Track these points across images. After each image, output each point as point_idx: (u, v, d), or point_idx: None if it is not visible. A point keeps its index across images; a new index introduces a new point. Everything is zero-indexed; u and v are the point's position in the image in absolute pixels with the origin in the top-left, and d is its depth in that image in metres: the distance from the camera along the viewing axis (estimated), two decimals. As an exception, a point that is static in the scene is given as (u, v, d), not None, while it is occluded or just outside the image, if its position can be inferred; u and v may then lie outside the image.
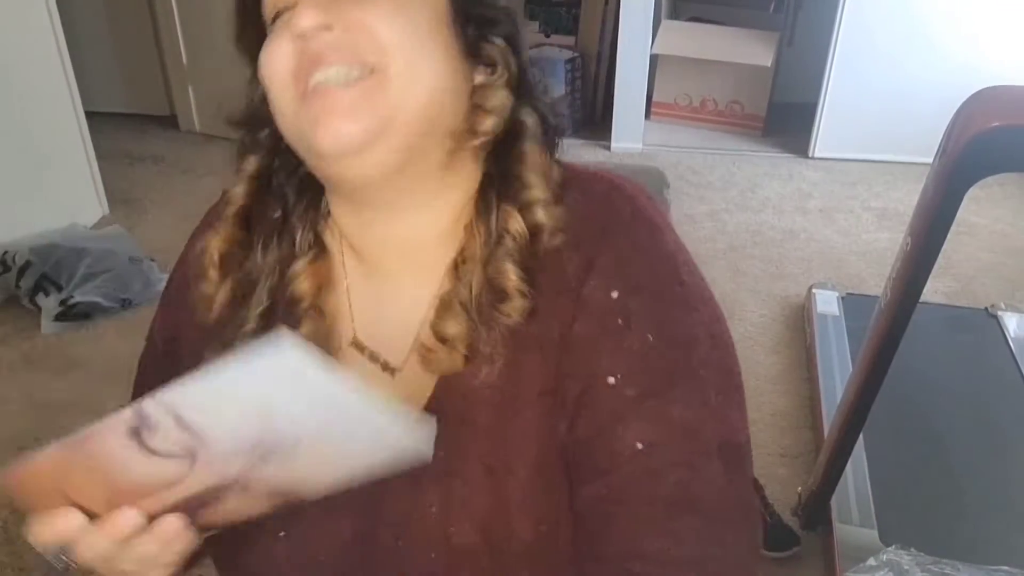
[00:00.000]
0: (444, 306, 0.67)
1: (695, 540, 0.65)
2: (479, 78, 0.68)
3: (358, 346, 0.72)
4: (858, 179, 3.38)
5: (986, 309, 2.46)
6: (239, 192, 0.74)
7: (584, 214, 0.68)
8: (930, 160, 1.33)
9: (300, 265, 0.72)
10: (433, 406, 0.68)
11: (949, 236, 1.33)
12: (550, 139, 0.71)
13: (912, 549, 1.63)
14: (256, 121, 0.73)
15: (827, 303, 2.48)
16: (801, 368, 2.34)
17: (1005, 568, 1.61)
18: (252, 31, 0.69)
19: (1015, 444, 2.01)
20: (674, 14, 3.91)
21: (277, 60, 0.65)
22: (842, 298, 2.49)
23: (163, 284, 2.89)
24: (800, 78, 3.62)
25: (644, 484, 0.65)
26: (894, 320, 1.44)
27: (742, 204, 3.22)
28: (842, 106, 3.40)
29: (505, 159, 0.69)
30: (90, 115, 2.92)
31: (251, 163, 0.74)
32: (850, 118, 3.42)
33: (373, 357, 0.72)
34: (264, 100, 0.69)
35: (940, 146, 1.29)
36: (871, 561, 1.62)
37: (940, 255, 1.35)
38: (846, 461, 1.70)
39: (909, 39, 3.24)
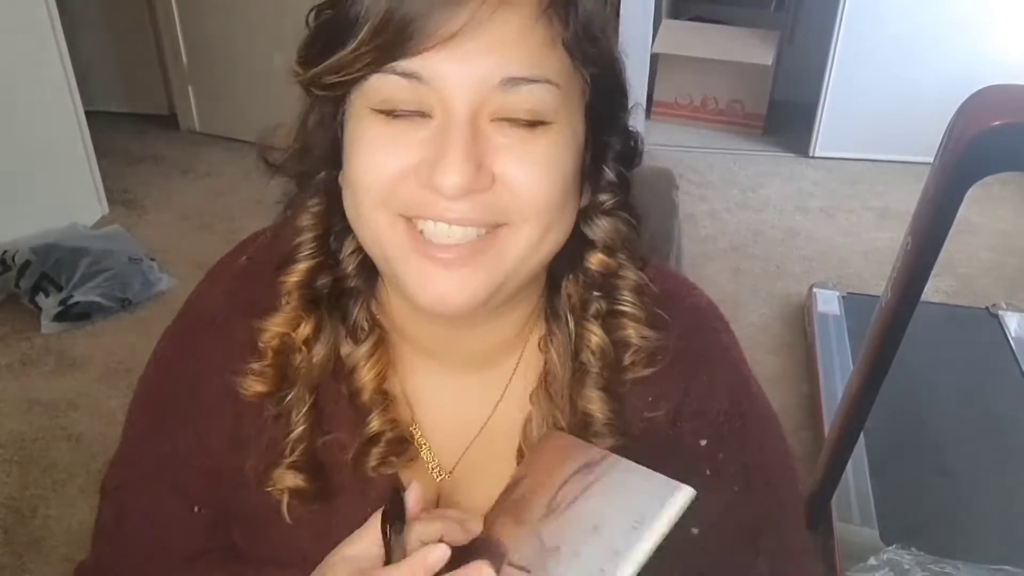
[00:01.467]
0: (528, 439, 0.64)
1: None
2: (583, 199, 0.61)
3: (415, 438, 0.68)
4: (859, 178, 3.37)
5: (987, 308, 2.45)
6: (301, 266, 0.62)
7: (674, 348, 0.64)
8: (931, 159, 1.33)
9: (362, 352, 0.64)
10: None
11: (950, 235, 1.33)
12: (637, 250, 0.64)
13: (913, 548, 1.63)
14: (309, 165, 0.62)
15: (828, 302, 2.47)
16: (801, 368, 2.34)
17: (1006, 568, 1.61)
18: (330, 74, 0.54)
19: (1016, 444, 2.00)
20: (675, 13, 3.91)
21: (384, 175, 0.54)
22: (843, 297, 2.49)
23: (163, 284, 2.85)
24: (801, 77, 3.61)
25: None
26: (895, 319, 1.43)
27: (743, 203, 3.21)
28: (843, 105, 3.39)
29: (580, 264, 0.63)
30: (90, 114, 2.91)
31: (308, 221, 0.62)
32: (851, 117, 3.41)
33: (426, 450, 0.68)
34: (323, 139, 0.59)
35: (941, 145, 1.29)
36: (872, 560, 1.62)
37: (941, 254, 1.35)
38: (847, 460, 1.70)
39: (910, 38, 3.24)
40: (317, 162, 0.61)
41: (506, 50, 0.52)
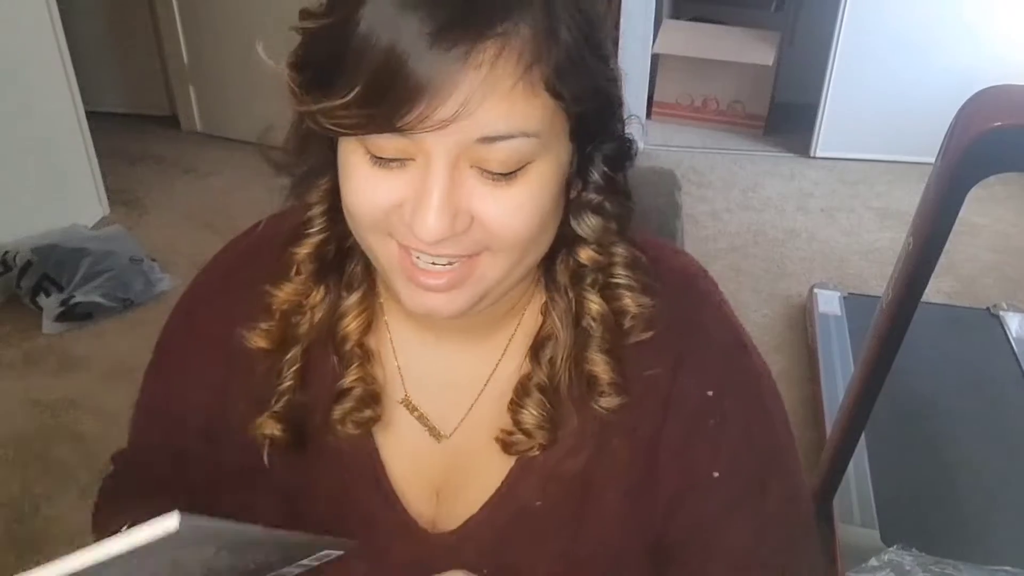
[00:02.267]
0: (523, 390, 0.66)
1: None
2: (572, 193, 0.61)
3: (408, 405, 0.70)
4: (860, 179, 3.37)
5: (988, 309, 2.45)
6: (313, 240, 0.65)
7: (668, 310, 0.66)
8: (932, 160, 1.33)
9: (352, 301, 0.67)
10: (509, 487, 0.68)
11: (951, 236, 1.33)
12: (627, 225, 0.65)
13: (914, 549, 1.64)
14: (313, 155, 0.63)
15: (829, 303, 2.47)
16: (803, 368, 2.34)
17: (1007, 568, 1.61)
18: (320, 117, 0.53)
19: (1017, 444, 2.00)
20: (675, 14, 3.91)
21: (372, 210, 0.56)
22: (844, 298, 2.49)
23: (164, 284, 2.87)
24: (802, 78, 3.61)
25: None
26: (896, 320, 1.44)
27: (744, 204, 3.21)
28: (844, 106, 3.39)
29: (571, 253, 0.64)
30: (91, 115, 2.91)
31: (317, 197, 0.64)
32: (852, 117, 3.41)
33: (422, 419, 0.70)
34: (320, 136, 0.60)
35: (942, 146, 1.29)
36: (873, 561, 1.62)
37: (942, 255, 1.35)
38: (848, 461, 1.70)
39: (911, 39, 3.24)
40: (319, 150, 0.62)
41: (484, 113, 0.51)
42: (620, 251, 0.65)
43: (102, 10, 3.51)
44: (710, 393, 0.66)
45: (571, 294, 0.65)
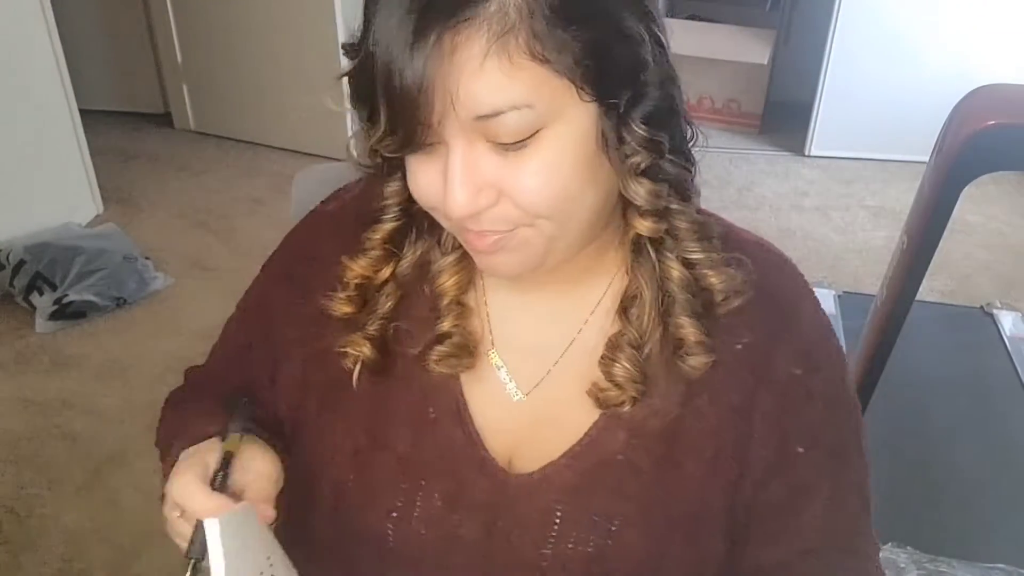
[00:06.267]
0: (614, 346, 0.67)
1: None
2: (622, 155, 0.60)
3: (493, 360, 0.72)
4: (854, 177, 3.38)
5: (981, 307, 2.46)
6: (387, 226, 0.70)
7: (760, 286, 0.68)
8: (926, 158, 1.33)
9: (448, 261, 0.70)
10: (592, 438, 0.69)
11: (945, 234, 1.33)
12: (690, 195, 0.65)
13: (908, 547, 1.64)
14: (388, 168, 0.66)
15: (823, 301, 2.45)
16: (797, 366, 2.34)
17: (1001, 566, 1.61)
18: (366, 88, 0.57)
19: (1011, 442, 2.01)
20: (670, 12, 3.91)
21: (424, 190, 0.60)
22: (838, 296, 2.49)
23: (158, 282, 2.87)
24: (796, 76, 3.62)
25: (831, 543, 0.71)
26: (890, 318, 1.44)
27: (738, 202, 3.22)
28: (838, 104, 3.40)
29: (630, 209, 0.65)
30: (84, 113, 2.91)
31: (393, 188, 0.68)
32: (846, 116, 3.42)
33: (504, 376, 0.72)
34: None
35: (936, 144, 1.30)
36: (867, 559, 1.62)
37: (936, 253, 1.35)
38: (842, 459, 1.69)
39: (905, 37, 3.25)
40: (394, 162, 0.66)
41: (467, 95, 0.53)
42: (682, 224, 0.64)
43: (96, 8, 3.50)
44: (798, 372, 0.69)
45: (653, 256, 0.66)
